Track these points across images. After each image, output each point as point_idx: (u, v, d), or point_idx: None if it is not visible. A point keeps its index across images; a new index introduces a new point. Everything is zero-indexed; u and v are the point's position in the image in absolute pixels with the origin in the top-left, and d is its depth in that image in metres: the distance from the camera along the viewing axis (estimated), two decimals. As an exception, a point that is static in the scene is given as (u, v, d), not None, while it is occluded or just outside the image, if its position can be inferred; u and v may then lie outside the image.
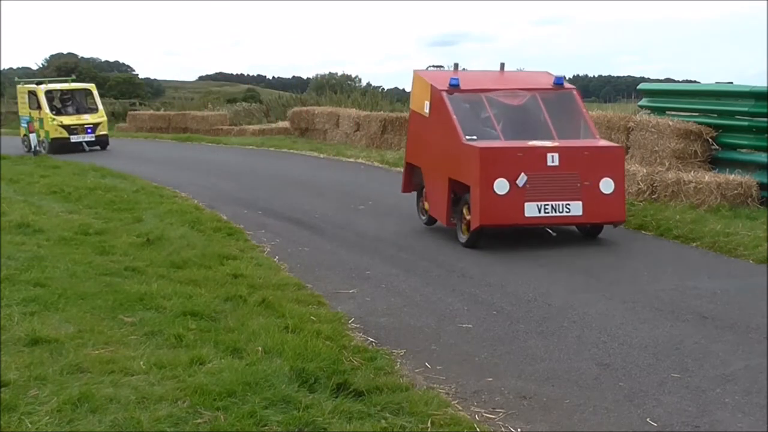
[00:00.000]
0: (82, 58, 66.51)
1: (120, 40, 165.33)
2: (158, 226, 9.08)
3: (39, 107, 21.52)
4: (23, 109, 22.45)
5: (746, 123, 10.65)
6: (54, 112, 21.64)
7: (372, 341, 5.54)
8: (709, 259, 7.99)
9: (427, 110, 9.53)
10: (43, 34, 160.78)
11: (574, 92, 9.51)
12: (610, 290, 6.81)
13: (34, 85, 22.36)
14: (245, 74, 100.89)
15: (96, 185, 12.60)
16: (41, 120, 21.23)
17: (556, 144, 8.51)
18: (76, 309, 5.64)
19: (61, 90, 22.76)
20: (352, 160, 17.81)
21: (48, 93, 22.03)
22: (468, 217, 8.50)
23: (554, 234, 9.07)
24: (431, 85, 9.40)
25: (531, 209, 8.22)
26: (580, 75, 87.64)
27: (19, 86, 23.29)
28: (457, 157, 8.69)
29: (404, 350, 5.37)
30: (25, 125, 21.34)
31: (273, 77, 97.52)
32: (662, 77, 53.03)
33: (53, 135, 21.03)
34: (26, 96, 22.29)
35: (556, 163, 8.29)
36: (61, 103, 22.42)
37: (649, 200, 10.49)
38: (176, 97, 44.42)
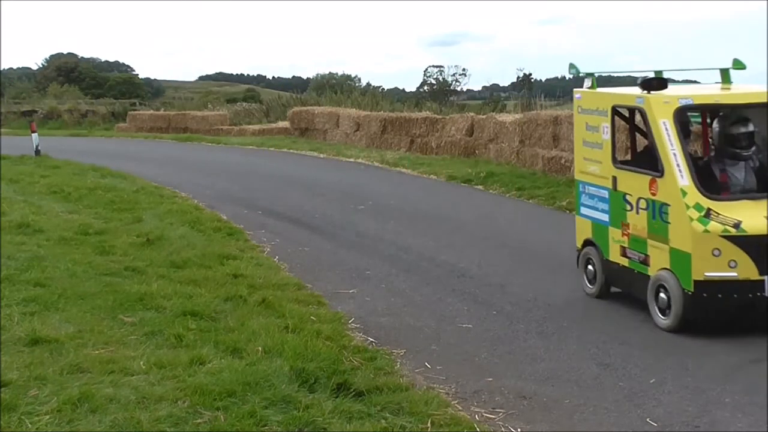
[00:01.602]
0: (82, 58, 66.52)
1: (120, 40, 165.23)
2: (158, 226, 9.08)
3: (657, 165, 5.99)
4: (587, 163, 6.97)
5: (746, 123, 10.61)
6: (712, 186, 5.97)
7: (372, 341, 5.54)
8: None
9: None
10: (43, 34, 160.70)
11: None
12: (610, 290, 6.80)
13: (637, 94, 6.38)
14: (245, 74, 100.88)
15: (96, 185, 12.59)
16: (660, 210, 5.92)
17: None
18: (76, 309, 5.63)
19: (731, 105, 6.51)
20: (352, 160, 17.80)
21: (689, 113, 6.72)
22: None
23: None
24: None
25: None
26: (580, 75, 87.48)
27: (582, 92, 7.12)
28: None
29: (404, 350, 5.37)
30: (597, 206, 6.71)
31: (273, 77, 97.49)
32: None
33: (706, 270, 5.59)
34: (602, 122, 6.65)
35: None
36: (731, 142, 6.23)
37: (649, 200, 10.46)
38: (176, 97, 44.39)
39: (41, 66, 62.19)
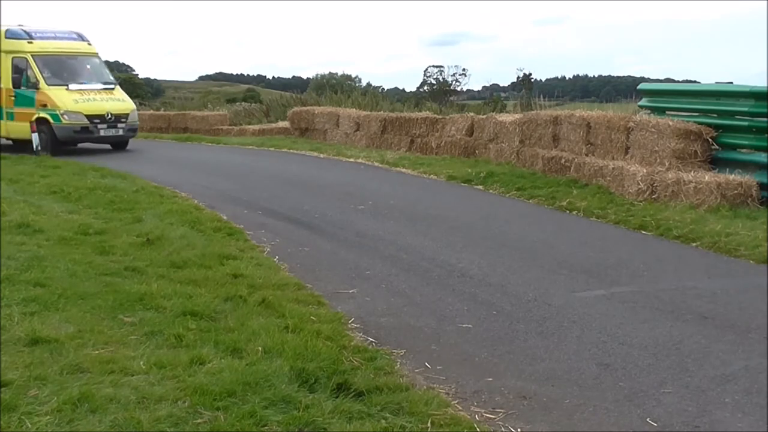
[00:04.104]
0: (82, 58, 66.40)
1: (120, 40, 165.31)
2: (158, 226, 9.08)
3: None
4: None
5: (746, 123, 10.66)
6: None
7: (372, 341, 5.54)
8: (709, 259, 7.99)
9: None
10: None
11: None
12: (610, 290, 6.82)
13: None
14: (245, 74, 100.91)
15: (96, 185, 12.58)
16: None
17: None
18: (76, 309, 5.64)
19: None
20: (352, 160, 17.80)
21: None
22: None
23: None
24: None
25: None
26: (580, 75, 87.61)
27: None
28: None
29: (404, 350, 5.37)
30: None
31: (273, 77, 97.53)
32: (662, 77, 53.10)
33: None
34: None
35: None
36: None
37: (649, 200, 10.49)
38: (176, 97, 44.37)
39: (41, 66, 62.08)
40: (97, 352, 4.79)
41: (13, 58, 19.07)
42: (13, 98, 19.02)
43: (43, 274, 6.50)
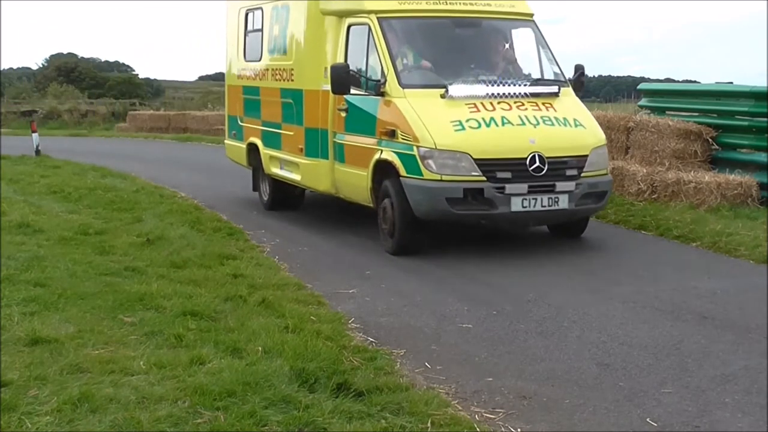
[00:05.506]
0: (82, 58, 66.46)
1: (120, 40, 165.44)
2: (158, 226, 9.08)
3: None
4: None
5: (746, 123, 10.66)
6: None
7: (372, 341, 5.54)
8: (709, 259, 7.99)
9: None
10: (43, 34, 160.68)
11: None
12: (610, 290, 6.82)
13: None
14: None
15: (96, 185, 12.58)
16: None
17: None
18: (76, 309, 5.64)
19: None
20: (352, 160, 17.77)
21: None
22: None
23: None
24: None
25: None
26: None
27: None
28: None
29: (404, 350, 5.37)
30: None
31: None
32: (662, 77, 53.05)
33: None
34: None
35: None
36: None
37: (649, 200, 10.49)
38: (176, 97, 44.40)
39: (41, 66, 62.22)
40: (97, 352, 4.79)
41: (350, 26, 9.02)
42: (344, 113, 8.95)
43: (43, 274, 6.50)
